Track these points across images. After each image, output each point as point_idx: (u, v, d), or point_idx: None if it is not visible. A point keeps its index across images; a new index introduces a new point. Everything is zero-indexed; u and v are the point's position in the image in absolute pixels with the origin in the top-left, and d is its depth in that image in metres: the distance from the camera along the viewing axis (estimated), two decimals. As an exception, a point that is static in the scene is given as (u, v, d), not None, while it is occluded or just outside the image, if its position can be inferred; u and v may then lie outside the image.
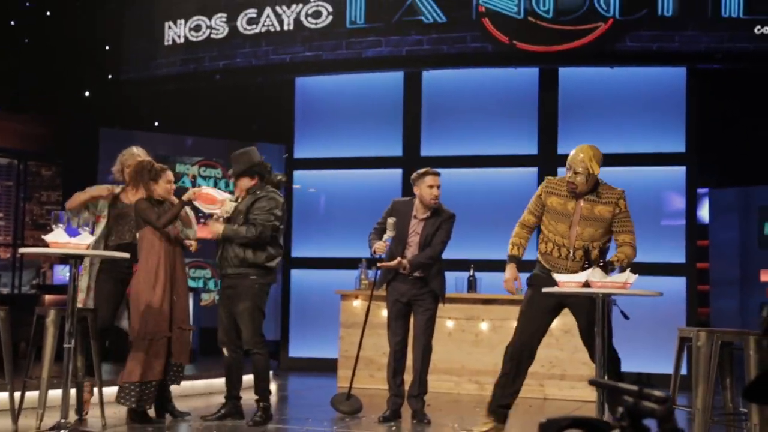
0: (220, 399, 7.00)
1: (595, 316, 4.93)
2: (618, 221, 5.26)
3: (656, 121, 9.82)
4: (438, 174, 6.23)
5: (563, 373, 8.07)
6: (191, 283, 11.30)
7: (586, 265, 5.00)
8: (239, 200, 5.96)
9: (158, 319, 5.56)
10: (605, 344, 4.90)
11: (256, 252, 5.81)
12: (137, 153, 5.97)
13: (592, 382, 1.58)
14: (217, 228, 5.83)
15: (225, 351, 5.94)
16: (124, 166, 5.95)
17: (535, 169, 10.01)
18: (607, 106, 9.96)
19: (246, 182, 6.01)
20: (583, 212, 5.24)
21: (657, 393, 1.31)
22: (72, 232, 5.05)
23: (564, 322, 8.06)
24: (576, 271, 5.07)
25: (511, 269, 5.44)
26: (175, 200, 5.80)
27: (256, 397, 5.87)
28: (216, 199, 5.79)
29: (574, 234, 5.22)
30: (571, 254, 5.21)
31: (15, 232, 11.60)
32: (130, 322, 5.67)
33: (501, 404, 5.40)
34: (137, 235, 5.73)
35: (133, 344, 5.55)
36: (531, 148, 10.09)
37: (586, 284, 4.81)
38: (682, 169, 9.69)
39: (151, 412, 5.79)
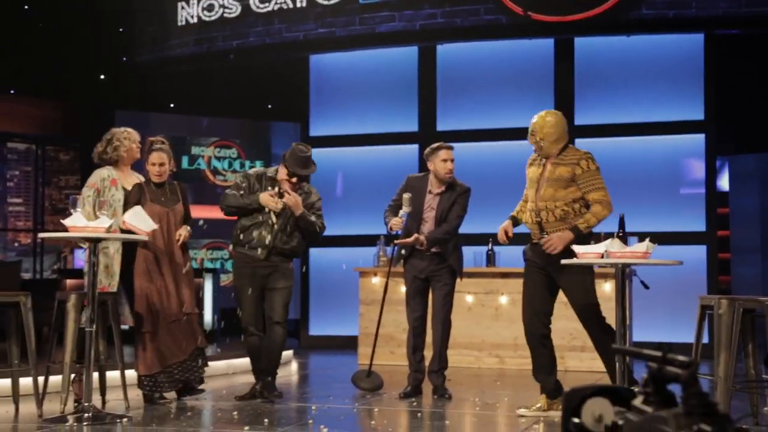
0: (242, 379, 7.05)
1: (573, 286, 5.14)
2: (584, 182, 5.24)
3: (674, 89, 9.72)
4: (451, 148, 6.22)
5: (584, 344, 8.05)
6: (208, 265, 11.34)
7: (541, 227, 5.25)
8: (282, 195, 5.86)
9: (163, 305, 5.59)
10: (625, 314, 4.88)
11: (301, 243, 6.00)
12: (127, 133, 5.91)
13: (615, 350, 1.58)
14: (298, 202, 5.82)
15: (250, 334, 5.87)
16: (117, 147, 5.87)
17: (552, 141, 9.94)
18: (624, 76, 9.86)
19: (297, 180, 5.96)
20: (547, 174, 5.30)
21: (681, 357, 1.28)
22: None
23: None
24: (541, 234, 5.24)
25: (505, 222, 5.52)
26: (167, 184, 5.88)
27: (265, 372, 5.86)
28: (139, 231, 5.49)
29: (538, 196, 5.30)
30: (535, 216, 5.28)
31: (35, 217, 11.67)
32: (133, 311, 5.68)
33: (548, 389, 5.35)
34: None
35: (144, 335, 5.58)
36: (547, 120, 10.00)
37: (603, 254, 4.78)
38: (701, 136, 9.60)
39: (171, 394, 5.84)
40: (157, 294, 5.59)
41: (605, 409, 1.44)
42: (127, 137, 5.85)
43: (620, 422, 1.40)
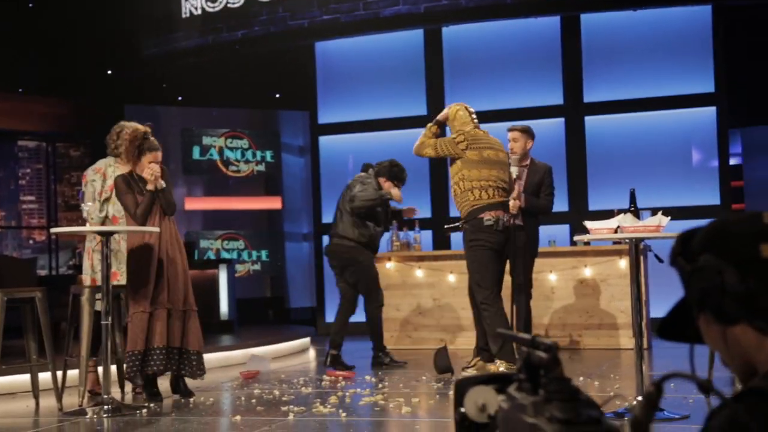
0: (257, 368, 7.08)
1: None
2: None
3: (684, 63, 9.64)
4: (511, 129, 6.69)
5: (600, 322, 8.03)
6: (224, 255, 11.36)
7: None
8: None
9: (142, 297, 5.35)
10: (640, 290, 4.85)
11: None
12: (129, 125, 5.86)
13: (499, 334, 1.56)
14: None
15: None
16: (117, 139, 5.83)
17: (562, 120, 9.90)
18: (633, 51, 9.79)
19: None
20: None
21: (545, 341, 1.26)
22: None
23: (599, 272, 8.01)
24: None
25: None
26: (161, 184, 5.48)
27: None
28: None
29: None
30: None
31: (48, 214, 11.72)
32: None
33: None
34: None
35: (133, 315, 5.36)
36: (557, 99, 9.96)
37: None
38: (713, 109, 9.53)
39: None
40: (142, 286, 5.35)
41: (489, 398, 1.41)
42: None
43: None
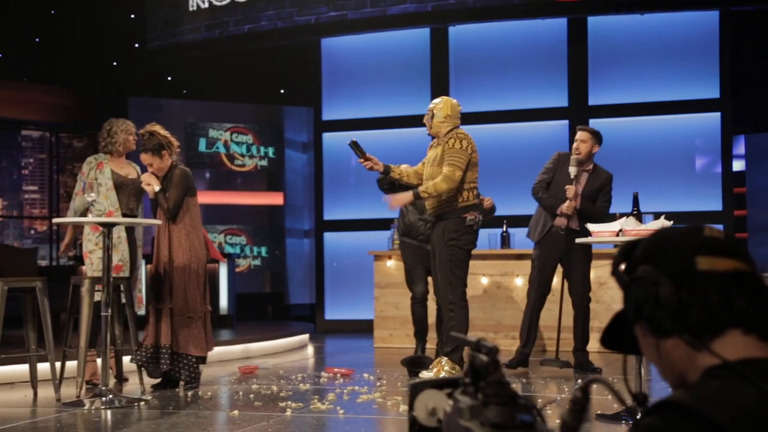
0: (257, 362, 7.07)
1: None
2: (446, 157, 5.76)
3: (689, 68, 9.63)
4: (580, 129, 6.54)
5: (600, 325, 8.02)
6: (228, 250, 11.36)
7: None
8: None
9: (155, 292, 5.56)
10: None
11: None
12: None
13: (451, 337, 1.55)
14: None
15: (419, 304, 6.90)
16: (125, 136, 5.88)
17: (566, 122, 9.88)
18: (638, 55, 9.78)
19: None
20: (429, 154, 5.96)
21: (488, 344, 1.25)
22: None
23: (600, 275, 8.01)
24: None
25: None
26: (152, 189, 5.57)
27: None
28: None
29: (424, 176, 5.95)
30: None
31: (50, 204, 11.72)
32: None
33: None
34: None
35: (149, 309, 5.64)
36: (561, 101, 9.95)
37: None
38: (717, 115, 9.52)
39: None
40: (158, 279, 5.56)
41: (439, 402, 1.42)
42: (124, 129, 5.82)
43: None
